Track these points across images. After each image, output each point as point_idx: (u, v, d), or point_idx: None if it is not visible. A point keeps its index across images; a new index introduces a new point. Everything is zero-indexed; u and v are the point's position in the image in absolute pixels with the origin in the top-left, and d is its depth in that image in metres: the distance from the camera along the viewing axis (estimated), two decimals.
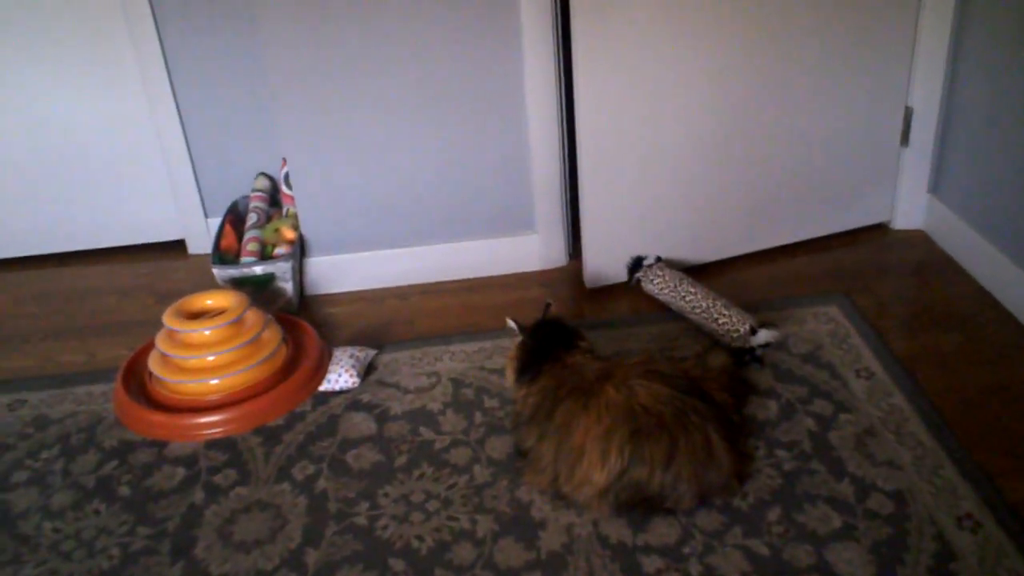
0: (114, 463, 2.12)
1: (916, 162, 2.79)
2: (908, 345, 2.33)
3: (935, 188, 2.80)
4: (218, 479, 2.05)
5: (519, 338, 2.03)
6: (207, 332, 2.23)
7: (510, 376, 2.04)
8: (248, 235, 2.70)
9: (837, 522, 1.80)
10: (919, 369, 2.23)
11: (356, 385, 2.29)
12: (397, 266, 2.75)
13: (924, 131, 2.74)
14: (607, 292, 2.68)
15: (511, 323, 2.02)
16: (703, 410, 1.81)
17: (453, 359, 2.40)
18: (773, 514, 1.83)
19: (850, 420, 2.07)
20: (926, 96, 2.69)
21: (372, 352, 2.39)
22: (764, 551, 1.75)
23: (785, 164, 2.68)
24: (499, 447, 2.07)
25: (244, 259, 2.60)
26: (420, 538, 1.84)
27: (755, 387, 2.14)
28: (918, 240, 2.83)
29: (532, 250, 2.78)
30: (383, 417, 2.19)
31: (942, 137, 2.73)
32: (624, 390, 1.83)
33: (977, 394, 2.13)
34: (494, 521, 1.87)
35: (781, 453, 1.98)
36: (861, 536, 1.77)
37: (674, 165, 2.57)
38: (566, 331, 2.04)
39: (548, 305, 2.12)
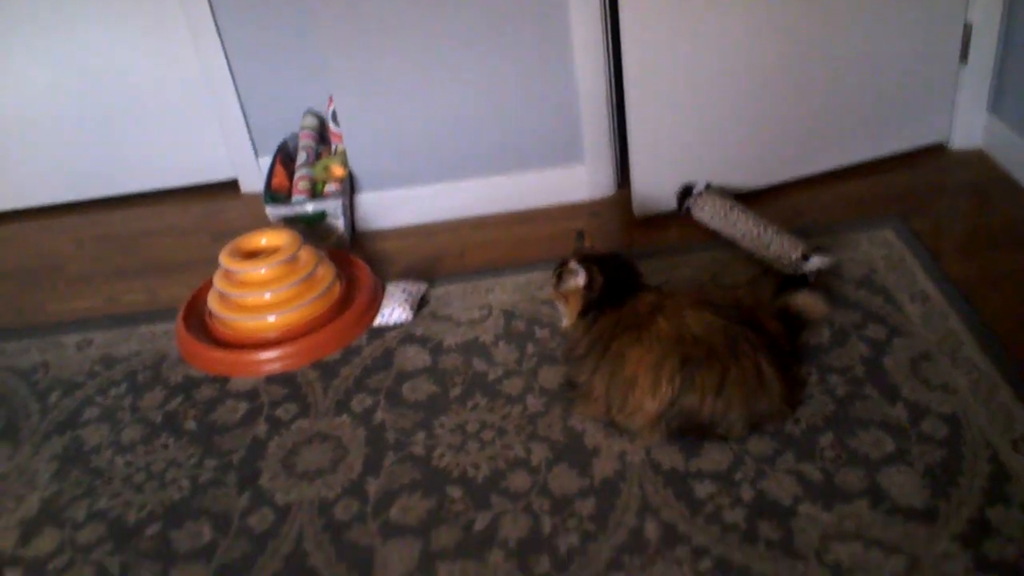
0: (179, 398, 2.19)
1: (975, 79, 2.71)
2: (965, 268, 2.29)
3: (994, 106, 2.72)
4: (279, 412, 2.11)
5: (579, 277, 1.95)
6: (263, 270, 2.28)
7: (571, 314, 1.99)
8: (299, 173, 2.74)
9: (890, 446, 1.81)
10: (976, 292, 2.20)
11: (410, 319, 2.33)
12: (446, 200, 2.77)
13: (983, 47, 2.65)
14: (657, 221, 2.67)
15: (574, 265, 1.95)
16: (754, 338, 1.82)
17: (504, 291, 2.43)
18: (825, 439, 1.84)
19: (904, 345, 2.06)
20: (985, 10, 2.60)
21: (424, 286, 2.43)
22: (816, 475, 1.77)
23: (839, 84, 2.62)
24: (551, 377, 2.10)
25: (295, 198, 2.63)
26: (476, 466, 1.89)
27: (808, 316, 2.10)
28: (976, 160, 2.76)
29: (580, 180, 2.78)
30: (437, 350, 2.24)
31: (1002, 53, 2.65)
32: (675, 321, 1.84)
33: None
34: (548, 449, 1.91)
35: (834, 379, 1.99)
36: (914, 460, 1.77)
37: (723, 89, 2.53)
38: (629, 270, 2.02)
39: (580, 234, 2.09)
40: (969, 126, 2.78)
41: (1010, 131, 2.63)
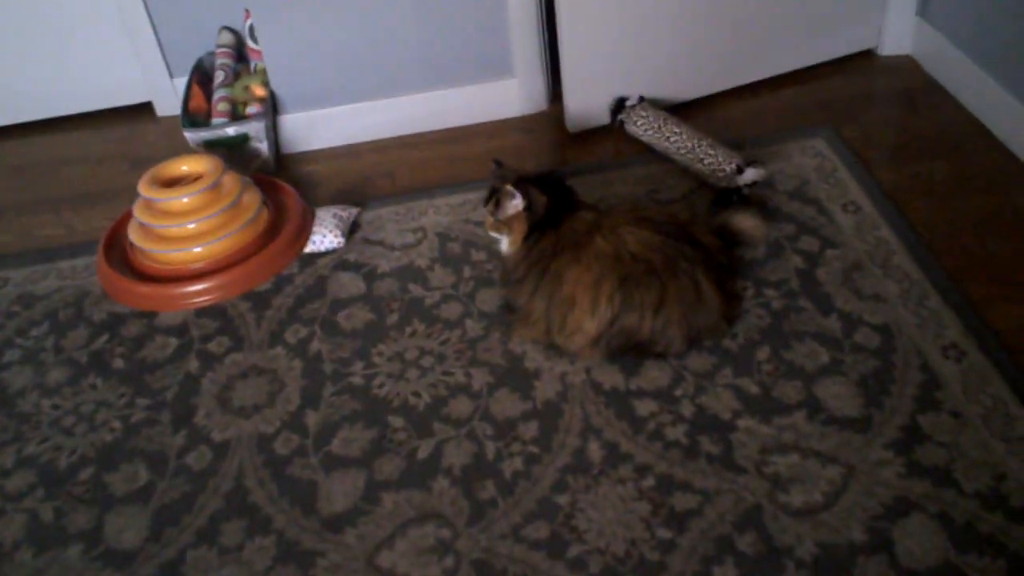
0: (105, 337, 2.12)
1: None
2: (896, 176, 2.32)
3: (923, 11, 2.72)
4: (211, 347, 2.06)
5: (517, 200, 1.89)
6: (185, 199, 2.19)
7: (516, 239, 1.94)
8: (217, 95, 2.62)
9: (825, 358, 1.84)
10: (907, 201, 2.23)
11: (342, 245, 2.28)
12: (374, 118, 2.69)
13: None
14: (590, 135, 2.64)
15: (510, 188, 1.89)
16: (691, 254, 1.82)
17: (437, 213, 2.38)
18: (762, 353, 1.87)
19: (837, 256, 2.08)
20: None
21: (355, 210, 2.37)
22: (754, 389, 1.80)
23: None
24: (489, 300, 2.08)
25: (215, 120, 2.53)
26: (417, 394, 1.88)
27: (748, 240, 2.10)
28: (906, 66, 2.77)
29: (512, 95, 2.71)
30: (371, 276, 2.20)
31: None
32: (613, 239, 1.83)
33: (965, 224, 2.14)
34: (489, 373, 1.90)
35: (769, 292, 2.01)
36: (848, 370, 1.81)
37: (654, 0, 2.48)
38: (564, 189, 1.99)
39: (498, 163, 2.02)
40: (898, 32, 2.78)
41: (939, 36, 2.64)
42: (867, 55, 2.84)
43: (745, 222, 2.02)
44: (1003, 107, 2.36)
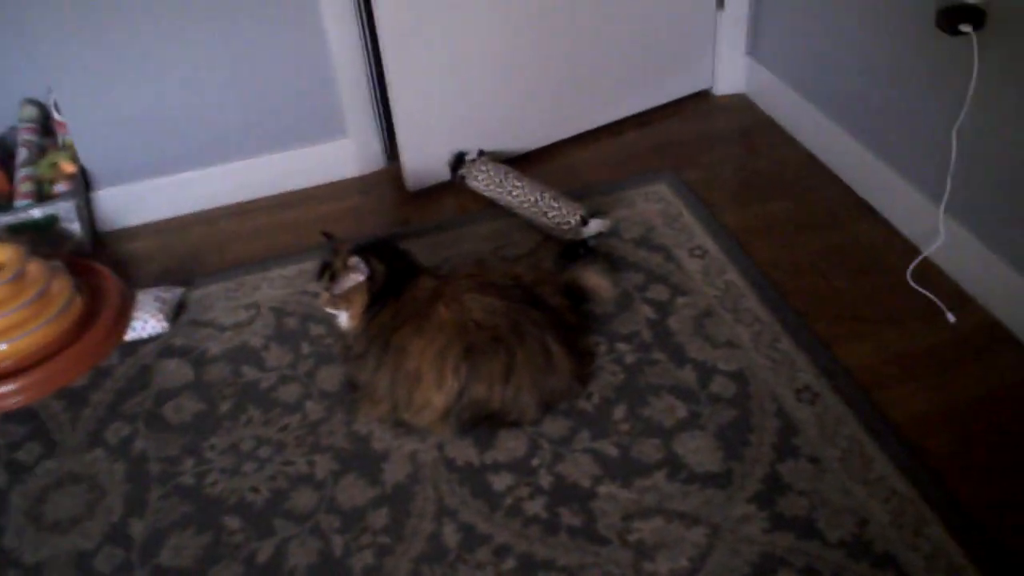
0: None
1: (733, 24, 2.76)
2: (739, 217, 2.34)
3: (753, 50, 2.79)
4: (20, 455, 1.87)
5: (360, 272, 1.80)
6: None
7: (356, 314, 1.84)
8: (20, 173, 2.42)
9: (682, 411, 1.81)
10: (751, 241, 2.25)
11: (166, 329, 2.12)
12: (199, 189, 2.54)
13: None
14: (431, 193, 2.57)
15: (353, 260, 1.79)
16: (538, 318, 1.76)
17: (272, 286, 2.26)
18: (619, 411, 1.82)
19: (687, 303, 2.07)
20: None
21: (179, 291, 2.22)
22: (613, 451, 1.74)
23: (602, 37, 2.60)
24: (330, 378, 1.97)
25: (18, 203, 2.33)
26: (255, 489, 1.74)
27: (597, 297, 2.05)
28: (741, 105, 2.83)
29: (346, 155, 2.62)
30: (200, 360, 2.05)
31: None
32: (456, 307, 1.75)
33: (809, 260, 2.17)
34: (333, 459, 1.78)
35: (622, 346, 1.97)
36: (706, 422, 1.78)
37: (487, 48, 2.45)
38: (402, 255, 1.91)
39: (326, 234, 1.92)
40: (731, 71, 2.84)
41: (770, 74, 2.71)
42: (703, 96, 2.89)
43: (592, 280, 1.98)
44: (835, 141, 2.43)
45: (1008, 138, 1.84)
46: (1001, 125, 1.84)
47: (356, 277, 1.81)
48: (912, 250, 2.15)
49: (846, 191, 2.39)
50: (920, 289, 2.04)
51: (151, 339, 2.11)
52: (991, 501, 1.60)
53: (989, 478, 1.65)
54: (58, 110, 2.48)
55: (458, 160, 2.51)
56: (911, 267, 2.08)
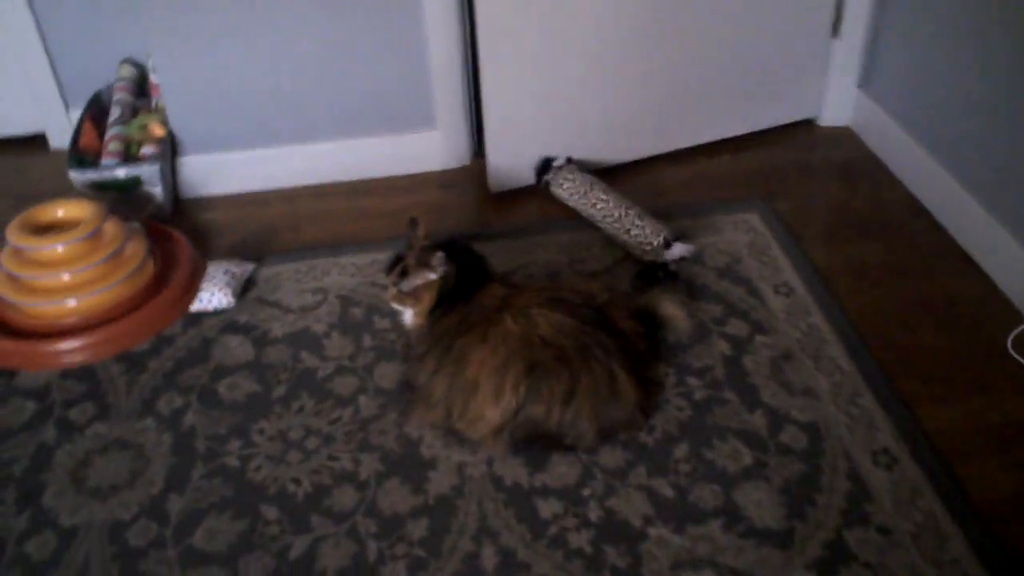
0: None
1: (846, 54, 2.62)
2: (830, 257, 2.21)
3: (865, 82, 2.65)
4: (73, 414, 1.86)
5: (439, 270, 1.76)
6: (60, 248, 1.99)
7: (423, 311, 1.79)
8: (110, 132, 2.43)
9: (748, 459, 1.70)
10: (840, 284, 2.12)
11: (232, 304, 2.09)
12: (282, 166, 2.52)
13: (856, 21, 2.56)
14: (514, 196, 2.50)
15: (439, 255, 1.74)
16: (607, 343, 1.67)
17: (342, 273, 2.21)
18: (680, 450, 1.72)
19: (767, 343, 1.95)
20: None
21: (250, 267, 2.19)
22: (668, 492, 1.65)
23: (707, 56, 2.49)
24: (388, 375, 1.91)
25: (105, 161, 2.33)
26: (297, 481, 1.69)
27: (672, 328, 1.94)
28: (845, 138, 2.69)
29: (432, 148, 2.57)
30: (262, 340, 2.01)
31: (874, 28, 2.56)
32: (523, 320, 1.68)
33: (899, 311, 2.04)
34: (379, 460, 1.72)
35: (692, 381, 1.87)
36: (772, 474, 1.67)
37: (587, 56, 2.36)
38: (476, 259, 1.85)
39: (414, 220, 1.86)
40: (839, 102, 2.70)
41: (880, 109, 2.57)
42: (806, 125, 2.76)
43: (668, 309, 1.88)
44: (941, 187, 2.28)
45: None
46: None
47: (428, 275, 1.75)
48: (1016, 315, 2.00)
49: (948, 242, 2.24)
50: (1020, 359, 1.89)
51: (216, 313, 2.09)
52: None
53: None
54: (155, 72, 2.48)
55: (545, 165, 2.43)
56: (1013, 333, 1.93)
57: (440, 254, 1.74)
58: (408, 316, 1.83)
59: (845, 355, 1.92)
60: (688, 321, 1.91)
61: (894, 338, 1.97)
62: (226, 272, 2.11)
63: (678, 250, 2.09)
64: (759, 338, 1.97)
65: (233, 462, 1.73)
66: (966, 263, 2.17)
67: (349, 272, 2.21)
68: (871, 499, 1.62)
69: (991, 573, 1.50)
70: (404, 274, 1.78)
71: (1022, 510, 1.61)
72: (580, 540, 1.57)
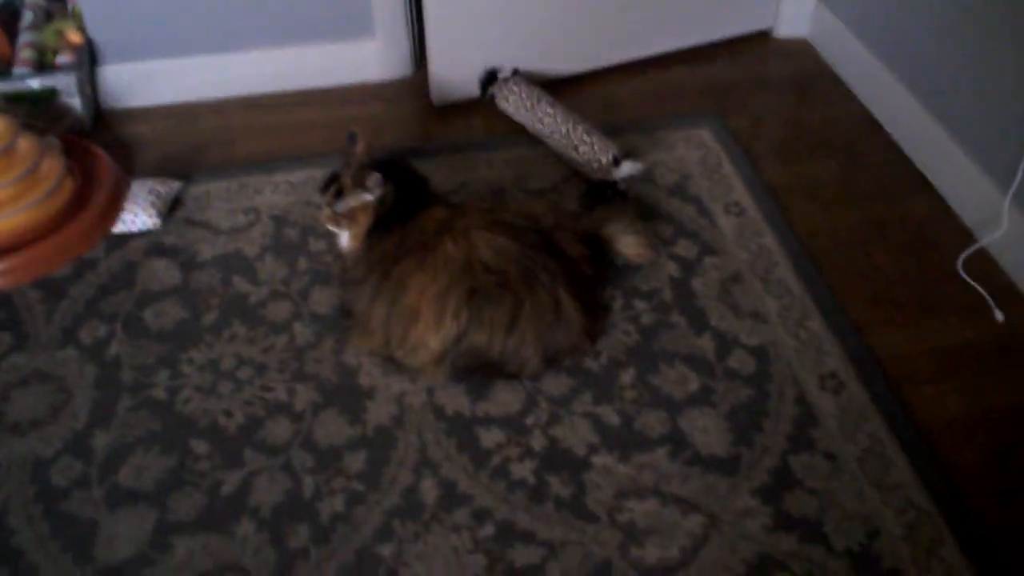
0: None
1: None
2: (782, 175, 2.16)
3: None
4: None
5: (375, 191, 1.67)
6: None
7: (358, 234, 1.72)
8: (22, 39, 2.26)
9: (695, 384, 1.67)
10: (793, 203, 2.07)
11: (157, 225, 1.99)
12: (212, 76, 2.38)
13: None
14: (457, 109, 2.39)
15: (376, 176, 1.65)
16: (552, 266, 1.62)
17: (276, 191, 2.11)
18: (626, 376, 1.69)
19: (716, 264, 1.91)
20: None
21: (177, 185, 2.07)
22: (614, 419, 1.61)
23: None
24: (324, 300, 1.84)
25: (17, 70, 2.18)
26: (228, 413, 1.63)
27: (628, 260, 1.89)
28: (801, 51, 2.61)
29: (371, 58, 2.44)
30: (190, 264, 1.92)
31: None
32: (464, 244, 1.61)
33: (851, 232, 2.00)
34: (315, 390, 1.66)
35: (639, 304, 1.82)
36: (719, 400, 1.65)
37: None
38: (416, 179, 1.76)
39: (353, 136, 1.77)
40: (795, 14, 2.61)
41: (836, 21, 2.49)
42: (762, 37, 2.68)
43: (631, 249, 1.82)
44: (898, 103, 2.23)
45: None
46: None
47: (364, 197, 1.67)
48: (967, 236, 1.97)
49: (903, 160, 2.20)
50: (970, 280, 1.87)
51: (140, 234, 1.98)
52: (1017, 528, 1.47)
53: (1018, 503, 1.51)
54: None
55: (490, 77, 2.33)
56: (964, 255, 1.90)
57: (377, 175, 1.65)
58: (344, 239, 1.75)
59: (795, 277, 1.88)
60: (649, 256, 1.86)
61: (845, 259, 1.94)
62: (151, 191, 2.00)
63: (627, 168, 2.02)
64: (708, 259, 1.92)
65: (161, 394, 1.66)
66: (920, 182, 2.13)
67: (283, 190, 2.11)
68: (817, 424, 1.60)
69: (934, 499, 1.49)
70: (339, 194, 1.70)
71: (967, 434, 1.61)
72: (523, 470, 1.54)
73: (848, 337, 1.76)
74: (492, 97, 2.32)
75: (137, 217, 1.96)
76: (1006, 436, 1.61)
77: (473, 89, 2.37)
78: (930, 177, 2.12)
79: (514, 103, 2.24)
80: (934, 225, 2.02)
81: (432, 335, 1.61)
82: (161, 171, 2.14)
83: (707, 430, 1.60)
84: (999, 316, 1.81)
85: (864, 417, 1.62)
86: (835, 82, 2.48)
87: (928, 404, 1.66)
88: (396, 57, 2.45)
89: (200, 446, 1.57)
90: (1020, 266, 1.86)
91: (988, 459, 1.57)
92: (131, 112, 2.37)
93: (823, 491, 1.51)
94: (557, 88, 2.38)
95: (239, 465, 1.54)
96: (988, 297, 1.84)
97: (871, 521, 1.47)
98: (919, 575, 1.40)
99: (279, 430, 1.60)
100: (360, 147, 1.74)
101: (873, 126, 2.31)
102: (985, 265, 1.91)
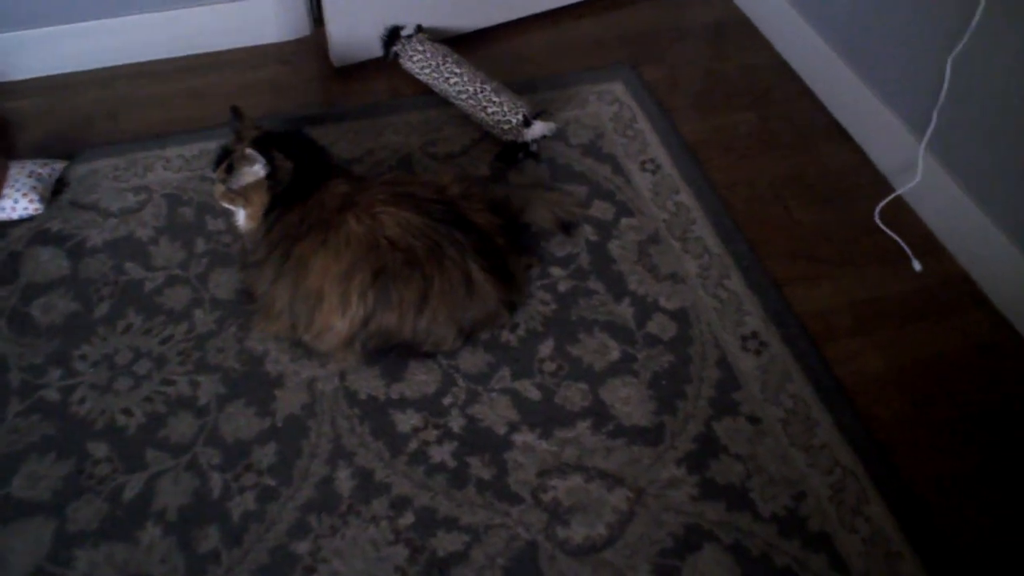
0: None
1: None
2: (698, 128, 2.15)
3: None
4: None
5: (258, 166, 1.61)
6: None
7: (254, 214, 1.66)
8: None
9: (615, 353, 1.67)
10: (709, 157, 2.07)
11: (40, 211, 1.89)
12: (95, 43, 2.26)
13: None
14: (360, 70, 2.32)
15: (249, 151, 1.60)
16: (462, 240, 1.58)
17: (168, 167, 2.03)
18: (545, 348, 1.67)
19: (633, 225, 1.90)
20: None
21: (59, 166, 1.98)
22: (534, 394, 1.60)
23: None
24: (225, 283, 1.78)
25: None
26: (127, 412, 1.57)
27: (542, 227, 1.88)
28: None
29: (265, 16, 2.35)
30: (78, 251, 1.83)
31: None
32: (368, 220, 1.56)
33: (769, 185, 2.01)
34: (220, 382, 1.61)
35: (556, 271, 1.80)
36: (640, 367, 1.64)
37: None
38: (316, 151, 1.70)
39: (235, 111, 1.71)
40: None
41: None
42: None
43: (549, 222, 1.80)
44: (814, 52, 2.23)
45: (1007, 76, 1.66)
46: (1002, 60, 1.66)
47: (255, 171, 1.61)
48: (884, 186, 1.99)
49: (819, 109, 2.21)
50: (887, 231, 1.90)
51: (22, 221, 1.89)
52: (939, 479, 1.51)
53: (938, 454, 1.54)
54: None
55: (392, 35, 2.26)
56: (880, 206, 1.92)
57: (250, 151, 1.58)
58: (241, 217, 1.69)
59: (714, 235, 1.88)
60: (560, 224, 1.84)
61: (764, 214, 1.94)
62: (31, 174, 1.91)
63: (538, 129, 1.98)
64: (625, 220, 1.91)
65: (53, 395, 1.59)
66: (838, 132, 2.15)
67: (176, 166, 2.03)
68: (740, 387, 1.61)
69: (858, 456, 1.52)
70: (231, 170, 1.63)
71: (889, 387, 1.63)
72: (442, 453, 1.52)
73: (769, 295, 1.77)
74: (396, 56, 2.25)
75: (17, 203, 1.87)
76: (926, 386, 1.64)
77: (375, 48, 2.30)
78: (847, 126, 2.14)
79: (419, 62, 2.18)
80: (852, 175, 2.04)
81: (338, 318, 1.56)
82: (42, 151, 2.04)
83: (629, 400, 1.60)
84: (917, 266, 1.83)
85: (787, 377, 1.63)
86: (751, 31, 2.46)
87: (850, 359, 1.68)
88: (292, 15, 2.36)
89: (98, 449, 1.52)
90: (937, 214, 1.89)
91: (909, 411, 1.60)
92: (6, 86, 2.24)
93: (748, 456, 1.52)
94: (465, 44, 2.33)
95: (141, 467, 1.49)
96: (906, 247, 1.86)
97: (797, 484, 1.49)
98: (846, 535, 1.43)
99: (182, 427, 1.55)
100: (246, 121, 1.67)
101: (790, 75, 2.31)
102: (902, 215, 1.93)
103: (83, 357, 1.65)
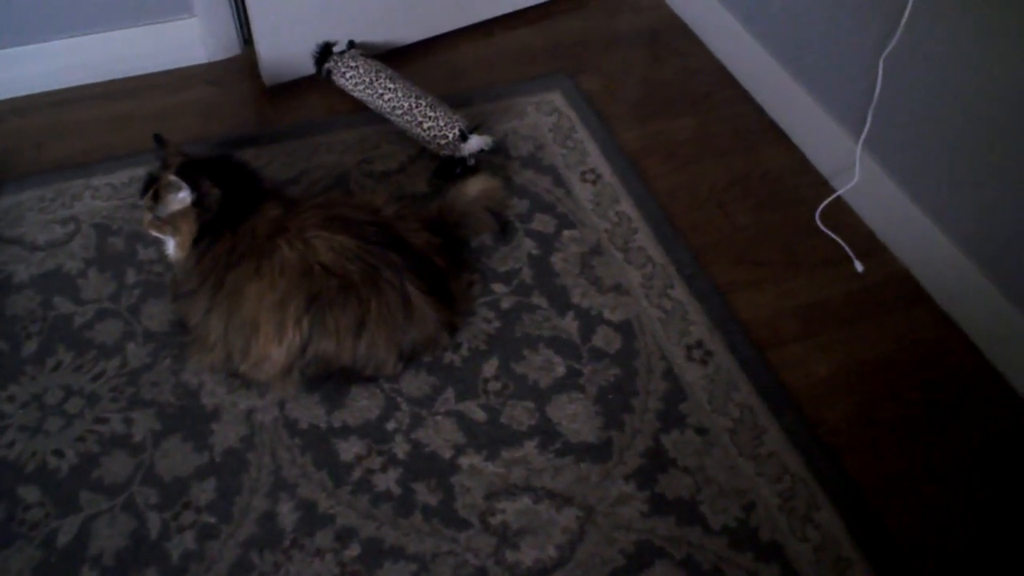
0: None
1: None
2: (638, 136, 2.16)
3: None
4: None
5: (183, 193, 1.57)
6: None
7: (183, 243, 1.62)
8: None
9: (561, 369, 1.67)
10: (649, 165, 2.08)
11: None
12: (14, 71, 2.22)
13: None
14: (292, 89, 2.30)
15: (172, 178, 1.56)
16: (398, 262, 1.57)
17: (96, 196, 1.99)
18: (490, 367, 1.67)
19: (575, 237, 1.90)
20: None
21: None
22: (479, 415, 1.60)
23: None
24: (158, 315, 1.75)
25: None
26: (59, 453, 1.54)
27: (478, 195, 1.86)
28: (651, 4, 2.61)
29: (192, 37, 2.32)
30: (4, 288, 1.80)
31: None
32: (300, 246, 1.55)
33: (711, 191, 2.03)
34: (155, 417, 1.59)
35: (498, 287, 1.80)
36: (586, 382, 1.65)
37: None
38: (246, 176, 1.68)
39: (158, 138, 1.68)
40: None
41: None
42: None
43: (482, 223, 1.82)
44: (750, 55, 2.25)
45: (938, 74, 1.69)
46: (934, 58, 1.69)
47: (181, 198, 1.58)
48: (825, 188, 2.02)
49: (757, 112, 2.23)
50: (829, 232, 1.92)
51: None
52: (886, 480, 1.53)
53: (886, 455, 1.56)
54: None
55: (324, 51, 2.24)
56: (821, 207, 1.95)
57: (173, 178, 1.56)
58: (171, 247, 1.66)
59: (656, 244, 1.89)
60: (496, 191, 1.85)
61: (706, 220, 1.96)
62: None
63: (475, 143, 1.98)
64: (567, 232, 1.91)
65: None
66: (777, 135, 2.17)
67: (105, 194, 1.99)
68: (687, 399, 1.62)
69: (807, 462, 1.53)
70: (158, 198, 1.61)
71: (834, 391, 1.65)
72: (387, 481, 1.51)
73: (713, 302, 1.78)
74: (328, 73, 2.24)
75: None
76: (872, 387, 1.66)
77: (307, 66, 2.28)
78: (786, 129, 2.16)
79: (352, 79, 2.17)
80: (792, 178, 2.06)
81: (275, 347, 1.54)
82: None
83: (576, 416, 1.60)
84: (859, 266, 1.86)
85: (733, 386, 1.64)
86: (688, 36, 2.49)
87: (796, 364, 1.70)
88: (220, 35, 2.34)
89: (30, 493, 1.48)
90: (876, 214, 1.92)
91: (855, 414, 1.62)
92: None
93: (697, 468, 1.53)
94: (398, 59, 2.32)
95: (75, 510, 1.46)
96: (847, 248, 1.89)
97: (747, 494, 1.50)
98: (797, 544, 1.44)
99: (117, 466, 1.52)
100: (170, 148, 1.65)
101: (728, 79, 2.33)
102: (843, 216, 1.96)
103: (11, 398, 1.61)
